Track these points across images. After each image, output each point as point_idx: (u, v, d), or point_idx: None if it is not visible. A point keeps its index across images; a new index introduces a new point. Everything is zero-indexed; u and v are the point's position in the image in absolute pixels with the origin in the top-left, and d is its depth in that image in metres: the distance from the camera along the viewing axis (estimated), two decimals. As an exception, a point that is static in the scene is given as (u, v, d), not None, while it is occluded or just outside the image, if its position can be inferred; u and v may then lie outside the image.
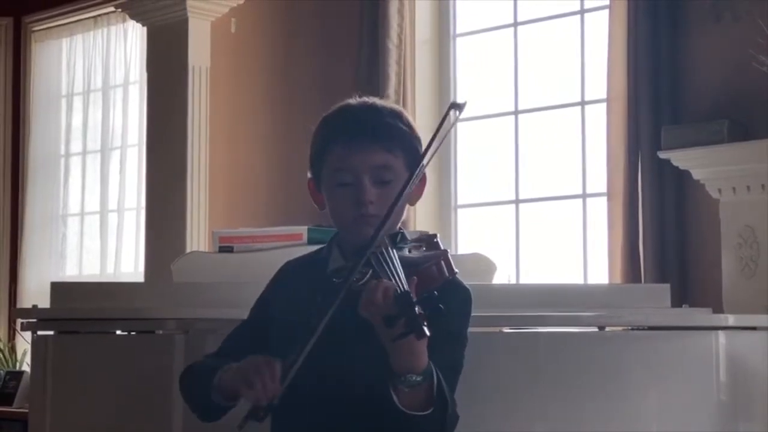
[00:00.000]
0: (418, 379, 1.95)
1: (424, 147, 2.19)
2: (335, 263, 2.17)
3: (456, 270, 2.05)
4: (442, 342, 2.02)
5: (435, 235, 2.15)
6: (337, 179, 2.17)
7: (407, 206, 2.22)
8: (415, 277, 1.97)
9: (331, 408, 2.12)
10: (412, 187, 2.14)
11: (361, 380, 2.06)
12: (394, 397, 1.96)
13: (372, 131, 2.16)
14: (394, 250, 2.03)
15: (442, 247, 2.10)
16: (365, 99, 2.24)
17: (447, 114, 2.12)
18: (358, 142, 2.15)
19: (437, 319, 1.88)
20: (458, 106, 2.11)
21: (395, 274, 1.96)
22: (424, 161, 2.13)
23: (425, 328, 1.85)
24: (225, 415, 2.20)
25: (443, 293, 1.94)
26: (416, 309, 1.85)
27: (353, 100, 2.24)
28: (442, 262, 2.02)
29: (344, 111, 2.23)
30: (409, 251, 2.09)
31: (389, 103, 2.27)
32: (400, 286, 1.92)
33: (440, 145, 2.14)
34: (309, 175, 2.27)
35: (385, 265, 1.99)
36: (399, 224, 2.17)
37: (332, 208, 2.20)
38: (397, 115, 2.21)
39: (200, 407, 2.22)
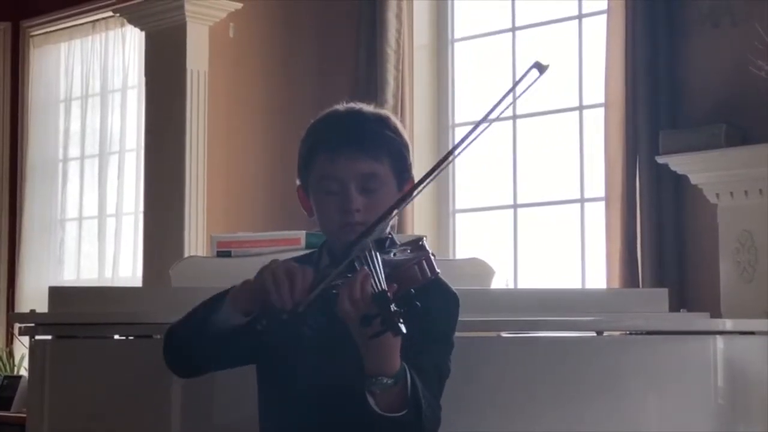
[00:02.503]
0: (389, 382, 1.95)
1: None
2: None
3: (438, 271, 2.05)
4: (425, 343, 2.04)
5: (421, 238, 2.15)
6: (323, 187, 2.18)
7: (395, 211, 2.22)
8: (395, 281, 1.98)
9: (317, 408, 2.14)
10: (401, 191, 2.15)
11: (344, 382, 2.06)
12: (370, 399, 1.97)
13: (357, 140, 2.16)
14: (377, 254, 2.04)
15: (429, 250, 2.10)
16: (352, 105, 2.24)
17: (527, 73, 2.05)
18: (343, 151, 2.16)
19: (414, 316, 1.88)
20: (542, 67, 2.07)
21: (374, 275, 1.97)
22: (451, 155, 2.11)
23: (401, 326, 1.85)
24: (214, 363, 2.18)
25: (428, 296, 1.95)
26: (392, 307, 1.86)
27: (340, 107, 2.24)
28: (424, 262, 2.03)
29: (330, 118, 2.23)
30: (394, 254, 2.10)
31: (376, 109, 2.26)
32: (378, 286, 1.93)
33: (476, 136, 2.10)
34: (297, 182, 2.27)
35: (366, 266, 2.00)
36: (387, 229, 2.18)
37: (319, 215, 2.21)
38: (384, 122, 2.21)
39: (194, 337, 2.16)
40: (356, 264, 2.02)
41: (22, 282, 7.13)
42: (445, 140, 5.54)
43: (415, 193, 2.12)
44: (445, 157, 2.14)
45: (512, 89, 2.07)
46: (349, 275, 2.00)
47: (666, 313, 3.20)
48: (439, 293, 2.13)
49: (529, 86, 2.07)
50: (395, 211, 2.12)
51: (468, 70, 5.61)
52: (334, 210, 2.17)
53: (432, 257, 2.06)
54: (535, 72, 2.06)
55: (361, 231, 2.10)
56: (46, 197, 7.17)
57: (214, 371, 2.34)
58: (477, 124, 2.07)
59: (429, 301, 1.95)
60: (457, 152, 2.14)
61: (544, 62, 2.06)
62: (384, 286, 1.93)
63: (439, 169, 2.10)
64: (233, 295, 2.12)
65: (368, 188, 2.16)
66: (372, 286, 1.93)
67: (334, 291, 1.99)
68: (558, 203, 5.22)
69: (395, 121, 2.25)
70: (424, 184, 2.10)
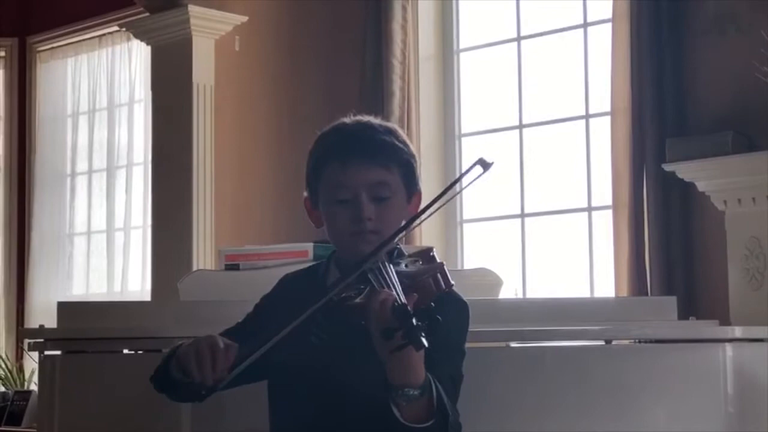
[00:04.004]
0: (416, 393, 1.97)
1: (421, 170, 2.21)
2: (333, 279, 2.18)
3: (452, 282, 2.06)
4: (440, 353, 2.04)
5: (431, 249, 2.16)
6: (334, 197, 2.19)
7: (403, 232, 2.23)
8: (414, 293, 1.98)
9: (334, 423, 2.13)
10: (411, 204, 2.15)
11: (362, 395, 2.07)
12: (395, 411, 1.97)
13: (368, 149, 2.18)
14: (391, 265, 2.05)
15: (438, 260, 2.11)
16: (359, 117, 2.26)
17: (471, 168, 2.11)
18: (355, 160, 2.17)
19: (435, 330, 1.89)
20: (486, 165, 2.11)
21: (392, 288, 1.98)
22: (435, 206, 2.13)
23: (423, 339, 1.87)
24: (187, 396, 2.18)
25: (440, 305, 1.96)
26: (413, 320, 1.87)
27: (347, 119, 2.27)
28: (438, 275, 2.04)
29: (339, 129, 2.25)
30: (406, 266, 2.11)
31: (383, 120, 2.28)
32: (397, 300, 1.93)
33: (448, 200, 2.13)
34: (305, 193, 2.28)
35: (382, 279, 2.01)
36: (396, 241, 2.18)
37: (330, 225, 2.22)
38: (392, 132, 2.23)
39: (162, 382, 2.21)
40: (369, 276, 2.02)
41: (31, 297, 7.14)
42: (451, 150, 5.54)
43: (422, 217, 2.14)
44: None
45: (457, 181, 2.12)
46: (362, 287, 2.01)
47: (674, 321, 3.19)
48: (451, 303, 2.14)
49: (473, 182, 2.13)
50: (403, 233, 2.13)
51: (474, 80, 5.62)
52: (346, 219, 2.18)
53: (446, 269, 2.07)
54: (479, 168, 2.10)
55: (372, 240, 2.11)
56: (55, 212, 7.19)
57: None
58: (426, 208, 2.13)
59: (442, 311, 1.96)
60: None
61: (488, 160, 2.10)
62: (404, 299, 1.94)
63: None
64: (177, 358, 2.13)
65: (379, 197, 2.18)
66: (393, 299, 1.94)
67: (348, 302, 1.99)
68: (565, 212, 5.22)
69: (403, 133, 2.27)
70: (430, 211, 2.14)
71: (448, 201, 2.15)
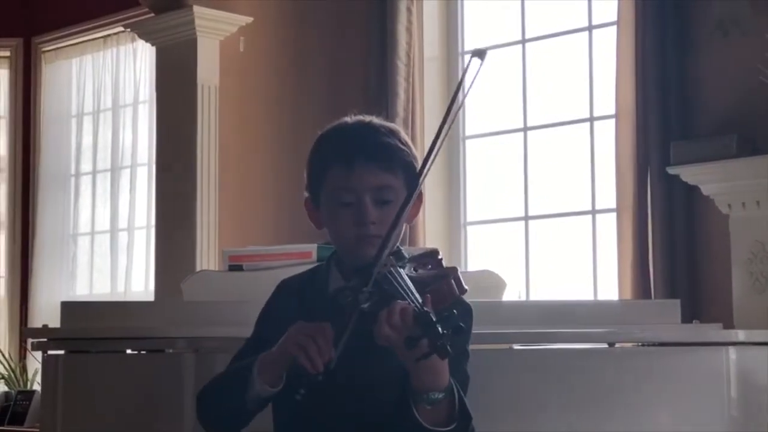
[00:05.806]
0: (440, 396, 1.97)
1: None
2: (335, 283, 2.16)
3: (466, 288, 2.05)
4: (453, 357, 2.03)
5: (437, 252, 2.14)
6: (337, 199, 2.16)
7: (405, 225, 2.21)
8: (428, 296, 1.96)
9: (346, 427, 2.12)
10: (412, 205, 2.12)
11: (378, 401, 2.06)
12: (416, 415, 1.96)
13: (372, 152, 2.16)
14: (402, 269, 2.03)
15: (444, 264, 2.09)
16: (361, 117, 2.23)
17: (470, 63, 2.09)
18: (359, 163, 2.15)
19: (459, 337, 1.88)
20: (481, 53, 2.09)
21: (409, 294, 1.95)
22: (435, 150, 2.10)
23: (448, 348, 1.85)
24: (255, 414, 2.18)
25: (461, 312, 1.95)
26: (438, 329, 1.85)
27: (349, 119, 2.24)
28: (452, 281, 2.02)
29: (342, 130, 2.22)
30: (415, 269, 2.08)
31: (385, 121, 2.25)
32: (417, 306, 1.92)
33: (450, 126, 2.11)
34: (306, 194, 2.26)
35: (396, 284, 1.98)
36: (398, 242, 2.16)
37: (332, 228, 2.19)
38: (395, 134, 2.21)
39: (231, 412, 2.17)
40: (382, 281, 2.00)
41: (34, 296, 7.15)
42: (456, 151, 5.54)
43: (412, 199, 2.10)
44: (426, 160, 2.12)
45: (460, 83, 2.13)
46: (371, 290, 1.98)
47: (678, 324, 3.19)
48: (457, 306, 2.13)
49: (476, 76, 2.14)
50: (401, 220, 2.10)
51: (478, 81, 5.60)
52: (349, 222, 2.15)
53: (459, 273, 2.05)
54: (476, 60, 2.08)
55: (376, 243, 2.08)
56: (59, 212, 7.19)
57: None
58: (446, 116, 2.11)
59: (465, 319, 1.96)
60: (433, 154, 2.11)
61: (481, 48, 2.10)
62: (423, 306, 1.92)
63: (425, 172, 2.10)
64: (260, 371, 2.10)
65: (382, 200, 2.15)
66: (413, 306, 1.92)
67: (362, 310, 1.97)
68: (569, 215, 5.22)
69: (404, 133, 2.25)
70: (420, 182, 2.11)
71: (457, 111, 2.12)
